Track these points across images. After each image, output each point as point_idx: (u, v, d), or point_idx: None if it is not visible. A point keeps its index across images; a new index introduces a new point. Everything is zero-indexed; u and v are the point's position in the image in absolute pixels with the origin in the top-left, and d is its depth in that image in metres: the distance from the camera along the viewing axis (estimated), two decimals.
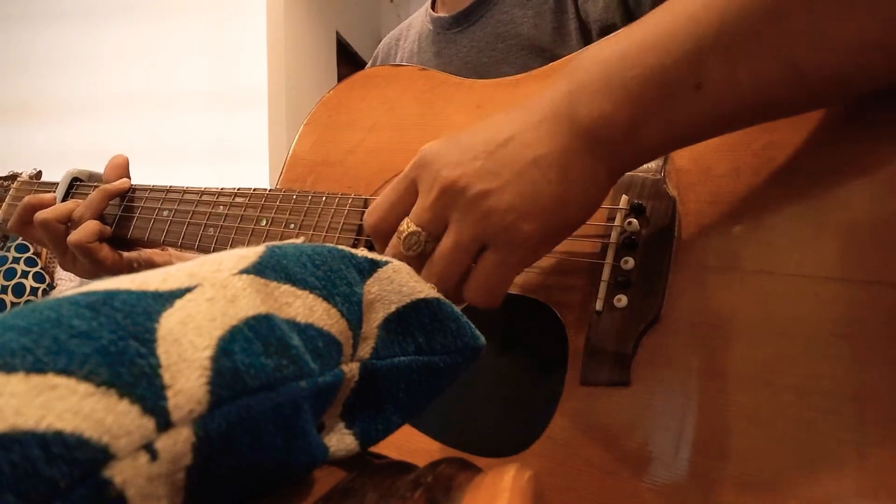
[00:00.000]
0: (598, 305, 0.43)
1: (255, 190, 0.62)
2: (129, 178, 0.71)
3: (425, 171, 0.38)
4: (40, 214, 0.67)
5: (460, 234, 0.37)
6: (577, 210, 0.38)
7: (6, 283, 2.37)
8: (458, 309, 0.32)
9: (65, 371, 0.18)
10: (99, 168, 0.74)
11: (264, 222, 0.59)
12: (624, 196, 0.44)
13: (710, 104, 0.35)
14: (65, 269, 0.72)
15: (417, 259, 0.38)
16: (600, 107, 0.36)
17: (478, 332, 0.32)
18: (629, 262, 0.43)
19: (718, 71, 0.34)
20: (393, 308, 0.30)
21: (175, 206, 0.65)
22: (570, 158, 0.36)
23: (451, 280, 0.38)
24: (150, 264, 0.72)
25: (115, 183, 0.68)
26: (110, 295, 0.21)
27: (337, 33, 3.66)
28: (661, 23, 0.36)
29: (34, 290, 2.39)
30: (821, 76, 0.34)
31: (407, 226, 0.38)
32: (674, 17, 0.35)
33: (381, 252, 0.40)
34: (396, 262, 0.32)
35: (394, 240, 0.39)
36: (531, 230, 0.36)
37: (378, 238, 0.41)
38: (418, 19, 0.82)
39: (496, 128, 0.38)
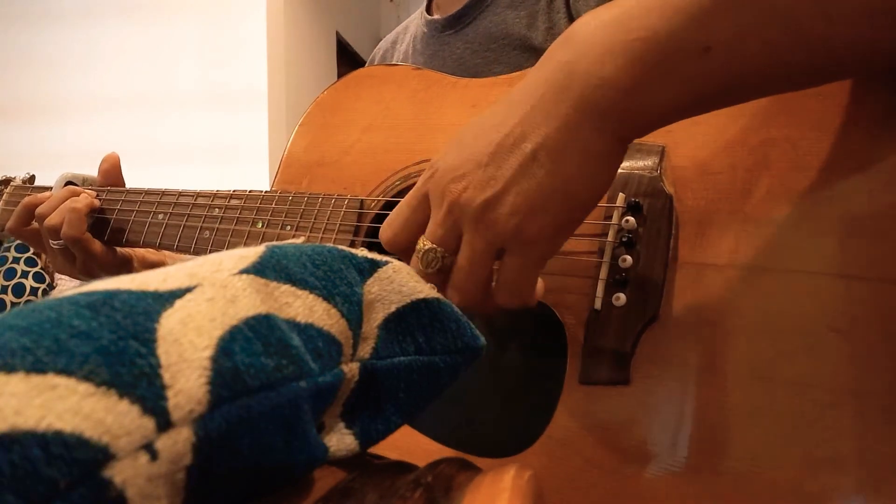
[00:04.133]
0: (597, 304, 0.43)
1: (250, 192, 0.62)
2: (121, 179, 0.73)
3: (435, 185, 0.38)
4: (41, 208, 0.68)
5: (473, 246, 0.37)
6: (585, 191, 0.37)
7: (6, 283, 2.37)
8: (458, 309, 0.32)
9: (65, 371, 0.18)
10: (97, 169, 0.74)
11: (260, 224, 0.59)
12: (621, 194, 0.44)
13: (719, 69, 0.34)
14: (60, 271, 0.72)
15: (438, 275, 0.38)
16: (600, 71, 0.34)
17: (478, 333, 0.32)
18: (627, 261, 0.43)
19: (726, 35, 0.33)
20: (393, 308, 0.30)
21: (170, 210, 0.65)
22: (569, 138, 0.35)
23: (476, 291, 0.38)
24: (143, 260, 0.73)
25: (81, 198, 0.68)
26: (110, 295, 0.21)
27: (337, 33, 3.66)
28: None
29: (34, 290, 2.39)
30: (829, 44, 0.33)
31: (423, 244, 0.38)
32: None
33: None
34: (396, 262, 0.32)
35: (413, 258, 0.39)
36: (540, 227, 0.36)
37: (395, 252, 0.41)
38: (414, 22, 0.83)
39: (494, 125, 0.37)
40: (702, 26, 0.33)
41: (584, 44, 0.35)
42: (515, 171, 0.35)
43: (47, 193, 0.71)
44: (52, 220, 0.66)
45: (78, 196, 0.67)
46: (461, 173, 0.37)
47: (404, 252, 0.40)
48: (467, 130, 0.39)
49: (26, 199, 0.70)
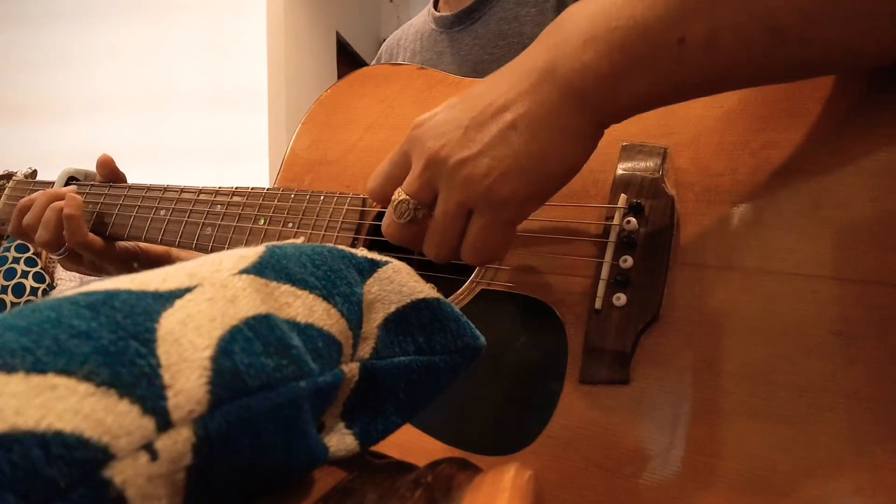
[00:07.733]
0: (598, 304, 0.43)
1: (252, 189, 0.62)
2: (120, 175, 0.72)
3: (416, 143, 0.40)
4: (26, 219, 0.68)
5: (447, 202, 0.39)
6: (558, 166, 0.38)
7: (6, 283, 2.37)
8: (458, 309, 0.32)
9: (65, 371, 0.18)
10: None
11: (262, 221, 0.59)
12: (623, 195, 0.44)
13: (693, 60, 0.35)
14: (69, 269, 0.72)
15: (410, 225, 0.41)
16: (581, 58, 0.36)
17: (478, 333, 0.32)
18: (628, 261, 0.43)
19: (701, 27, 0.34)
20: (393, 308, 0.30)
21: (172, 206, 0.65)
22: (548, 114, 0.37)
23: (449, 245, 0.40)
24: (147, 252, 0.73)
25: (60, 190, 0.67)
26: (110, 295, 0.21)
27: (337, 33, 3.66)
28: None
29: (34, 290, 2.39)
30: (804, 44, 0.34)
31: (398, 195, 0.41)
32: None
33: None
34: (396, 262, 0.32)
35: (388, 208, 0.42)
36: (511, 190, 0.37)
37: (377, 203, 0.44)
38: (420, 19, 0.83)
39: (480, 93, 0.39)
40: (678, 18, 0.34)
41: (571, 31, 0.37)
42: (494, 136, 0.37)
43: (34, 196, 0.70)
44: (41, 236, 0.66)
45: (61, 200, 0.66)
46: (442, 132, 0.39)
47: (384, 202, 0.43)
48: (455, 97, 0.40)
49: (20, 203, 0.70)
